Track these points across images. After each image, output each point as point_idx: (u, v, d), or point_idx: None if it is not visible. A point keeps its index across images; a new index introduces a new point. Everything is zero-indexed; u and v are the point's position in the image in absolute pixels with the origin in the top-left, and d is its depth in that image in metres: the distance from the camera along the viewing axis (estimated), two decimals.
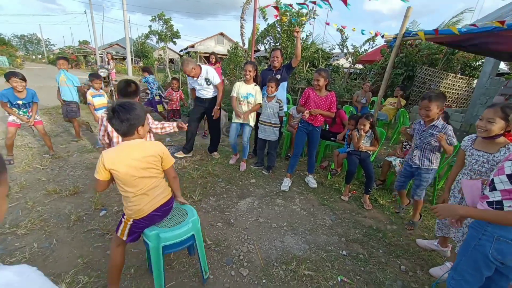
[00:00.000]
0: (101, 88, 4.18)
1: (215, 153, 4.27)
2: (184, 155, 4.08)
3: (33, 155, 3.72)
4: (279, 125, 3.67)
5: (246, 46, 7.74)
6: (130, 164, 1.41)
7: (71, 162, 3.66)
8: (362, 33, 4.41)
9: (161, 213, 1.58)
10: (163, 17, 24.83)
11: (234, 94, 3.58)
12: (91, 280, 1.77)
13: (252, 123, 3.62)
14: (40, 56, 44.18)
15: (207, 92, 3.82)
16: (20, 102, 3.37)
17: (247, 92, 3.47)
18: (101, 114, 2.15)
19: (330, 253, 2.23)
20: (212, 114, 3.84)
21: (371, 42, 7.70)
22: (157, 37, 25.00)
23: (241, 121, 3.56)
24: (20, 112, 3.43)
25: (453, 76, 8.64)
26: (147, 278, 1.84)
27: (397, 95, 5.91)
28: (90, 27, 19.03)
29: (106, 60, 10.61)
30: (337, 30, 7.97)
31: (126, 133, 1.45)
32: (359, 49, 8.34)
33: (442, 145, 2.28)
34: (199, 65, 3.66)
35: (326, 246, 2.32)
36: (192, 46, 25.37)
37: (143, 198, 1.48)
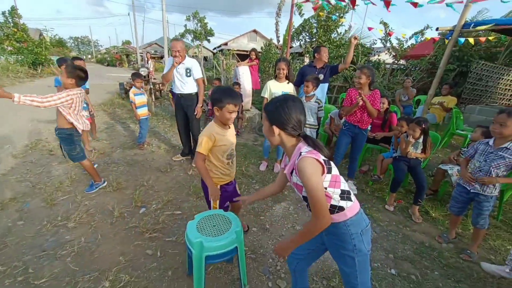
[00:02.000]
0: (141, 87, 4.33)
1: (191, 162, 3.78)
2: (182, 157, 3.91)
3: None
4: (317, 127, 3.48)
5: (281, 43, 7.53)
6: None
7: (115, 157, 3.85)
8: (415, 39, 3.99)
9: None
10: (197, 16, 25.56)
11: (266, 95, 3.39)
12: (132, 279, 1.80)
13: None
14: (90, 56, 48.35)
15: (183, 85, 3.46)
16: None
17: (282, 90, 3.31)
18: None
19: (377, 270, 2.02)
20: (195, 113, 3.53)
21: (420, 36, 6.97)
22: (192, 35, 25.85)
23: None
24: None
25: None
26: (184, 281, 1.82)
27: (445, 93, 5.30)
28: (133, 28, 20.28)
29: (146, 59, 11.18)
30: (380, 24, 7.41)
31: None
32: (404, 44, 7.66)
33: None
34: (186, 54, 3.39)
35: (372, 263, 2.10)
36: (225, 44, 25.70)
37: None
